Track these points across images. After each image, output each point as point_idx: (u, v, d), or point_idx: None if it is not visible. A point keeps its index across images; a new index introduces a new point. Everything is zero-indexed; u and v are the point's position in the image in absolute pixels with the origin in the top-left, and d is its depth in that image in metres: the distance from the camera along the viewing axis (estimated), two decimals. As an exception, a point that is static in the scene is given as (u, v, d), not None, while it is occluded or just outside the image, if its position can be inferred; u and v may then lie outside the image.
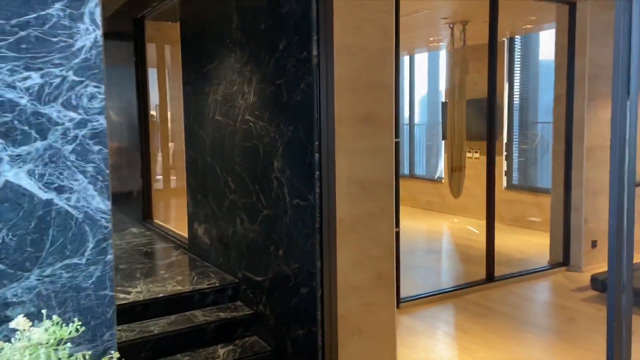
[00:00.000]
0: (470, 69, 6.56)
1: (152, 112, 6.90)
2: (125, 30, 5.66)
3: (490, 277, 4.88)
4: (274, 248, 3.18)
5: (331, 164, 2.82)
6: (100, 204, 1.32)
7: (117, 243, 4.80)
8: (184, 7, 4.27)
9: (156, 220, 5.45)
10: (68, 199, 1.26)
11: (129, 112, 5.76)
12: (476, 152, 7.44)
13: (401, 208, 3.81)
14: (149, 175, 5.54)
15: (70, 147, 1.30)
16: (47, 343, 1.04)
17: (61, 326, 1.07)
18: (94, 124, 1.32)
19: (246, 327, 3.43)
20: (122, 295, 3.34)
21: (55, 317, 1.09)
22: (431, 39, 7.74)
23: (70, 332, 1.06)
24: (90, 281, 1.29)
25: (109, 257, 1.32)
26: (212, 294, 3.54)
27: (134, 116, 5.65)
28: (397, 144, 3.92)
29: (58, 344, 1.06)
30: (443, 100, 8.14)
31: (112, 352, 1.23)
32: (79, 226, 1.28)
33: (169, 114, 6.53)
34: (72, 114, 1.31)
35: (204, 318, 3.35)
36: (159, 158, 6.41)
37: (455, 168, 6.47)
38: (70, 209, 1.26)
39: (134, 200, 5.79)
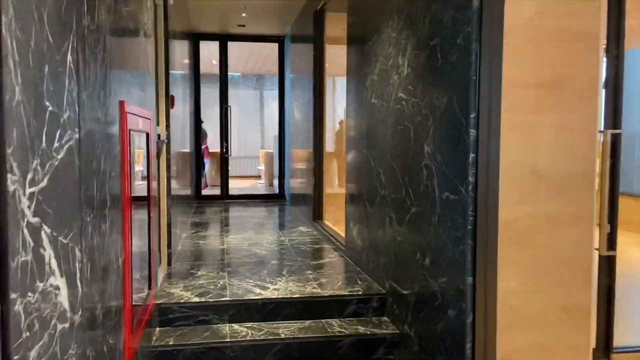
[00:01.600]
0: None
1: (342, 119, 6.80)
2: (308, 32, 5.64)
3: None
4: (420, 255, 2.53)
5: (493, 144, 2.06)
6: None
7: (282, 239, 4.69)
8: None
9: (325, 222, 5.22)
10: None
11: (309, 118, 5.70)
12: None
13: (633, 235, 2.70)
14: (320, 178, 5.42)
15: None
16: None
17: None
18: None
19: (389, 348, 2.83)
20: (257, 290, 3.10)
21: None
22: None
23: None
24: None
25: None
26: (354, 304, 3.04)
27: (311, 123, 5.58)
28: (617, 138, 2.87)
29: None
30: None
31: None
32: None
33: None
34: None
35: (339, 330, 2.87)
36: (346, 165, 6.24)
37: None
38: None
39: (308, 202, 5.70)
